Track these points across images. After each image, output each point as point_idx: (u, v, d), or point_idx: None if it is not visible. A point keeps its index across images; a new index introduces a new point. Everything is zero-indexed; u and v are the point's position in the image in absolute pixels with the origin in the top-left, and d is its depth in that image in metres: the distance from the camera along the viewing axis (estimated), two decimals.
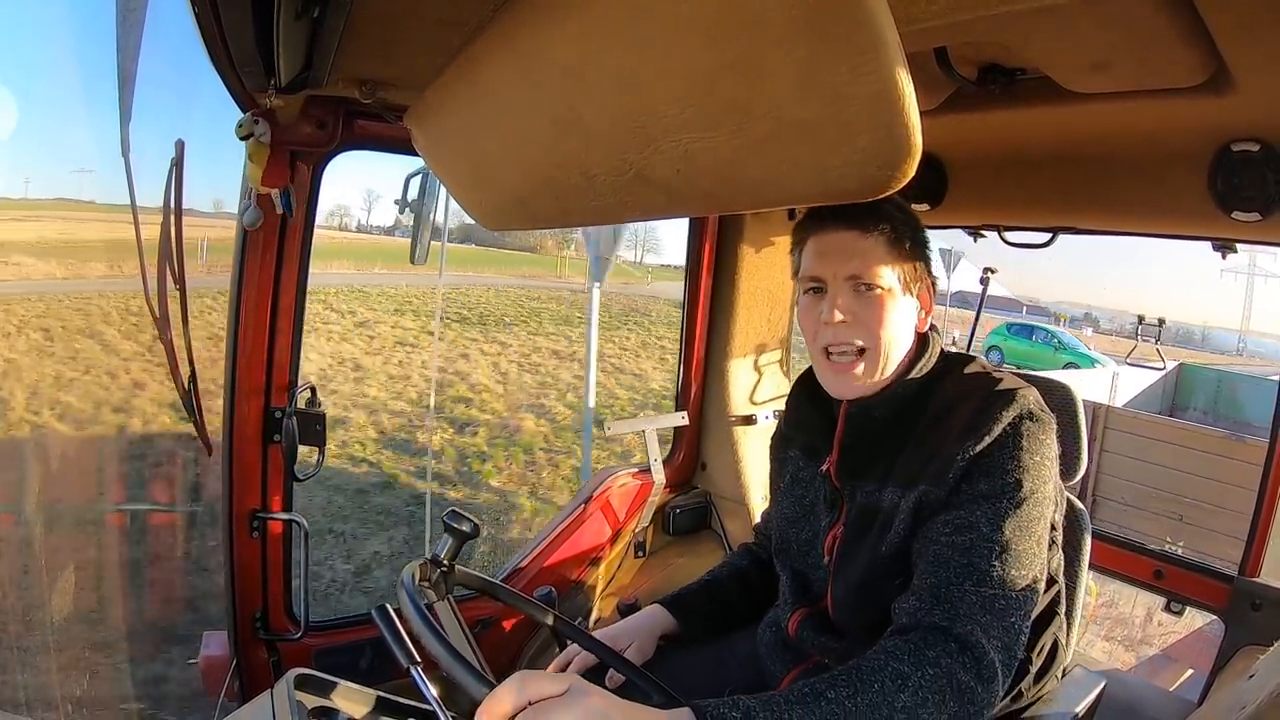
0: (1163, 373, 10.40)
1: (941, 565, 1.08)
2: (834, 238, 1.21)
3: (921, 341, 1.27)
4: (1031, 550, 1.09)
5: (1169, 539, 5.32)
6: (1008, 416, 1.12)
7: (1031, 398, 1.16)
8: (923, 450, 1.17)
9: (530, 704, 0.85)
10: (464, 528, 1.26)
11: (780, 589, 1.41)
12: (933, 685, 0.97)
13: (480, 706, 0.86)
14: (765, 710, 0.93)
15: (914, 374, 1.24)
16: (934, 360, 1.26)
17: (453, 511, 1.28)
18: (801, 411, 1.40)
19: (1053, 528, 1.20)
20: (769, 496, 1.57)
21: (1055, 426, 1.17)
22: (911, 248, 1.22)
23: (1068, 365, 15.48)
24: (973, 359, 1.29)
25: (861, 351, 1.21)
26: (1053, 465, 1.15)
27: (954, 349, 1.34)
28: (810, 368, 1.35)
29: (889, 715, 0.95)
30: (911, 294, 1.23)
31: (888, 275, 1.19)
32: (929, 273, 1.27)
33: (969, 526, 1.08)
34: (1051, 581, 1.26)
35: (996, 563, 1.06)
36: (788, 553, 1.39)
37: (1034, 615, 1.18)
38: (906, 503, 1.15)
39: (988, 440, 1.11)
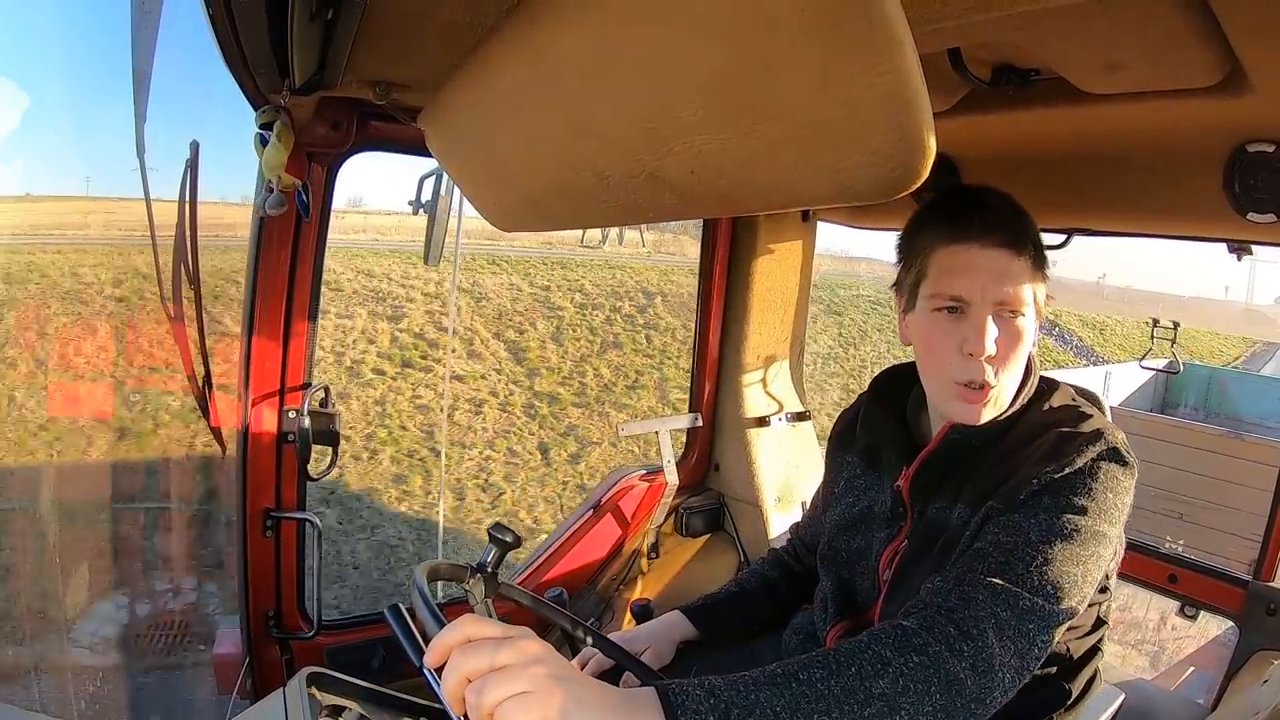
0: (1163, 374, 10.29)
1: (978, 559, 1.02)
2: (983, 254, 1.09)
3: (1027, 368, 1.22)
4: (1075, 578, 1.00)
5: (1169, 537, 5.26)
6: (1091, 452, 1.07)
7: (1120, 439, 1.10)
8: (999, 472, 1.13)
9: (470, 640, 0.81)
10: (507, 538, 1.33)
11: (818, 595, 1.37)
12: (915, 673, 0.89)
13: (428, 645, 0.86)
14: (731, 690, 0.85)
15: (1019, 403, 1.19)
16: (1034, 387, 1.21)
17: (497, 524, 1.34)
18: (875, 417, 1.33)
19: (1107, 575, 1.13)
20: (809, 499, 1.53)
21: (1137, 474, 1.10)
22: (1045, 269, 1.14)
23: None
24: (1060, 386, 1.24)
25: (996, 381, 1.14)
26: (1123, 513, 1.08)
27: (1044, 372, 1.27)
28: (889, 371, 1.30)
29: (865, 701, 0.86)
30: (1039, 320, 1.16)
31: (1030, 302, 1.11)
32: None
33: (1018, 530, 1.03)
34: (1100, 623, 1.22)
35: (1034, 570, 0.99)
36: (835, 560, 1.34)
37: (1078, 653, 1.16)
38: (975, 520, 1.12)
39: (1067, 470, 1.06)
